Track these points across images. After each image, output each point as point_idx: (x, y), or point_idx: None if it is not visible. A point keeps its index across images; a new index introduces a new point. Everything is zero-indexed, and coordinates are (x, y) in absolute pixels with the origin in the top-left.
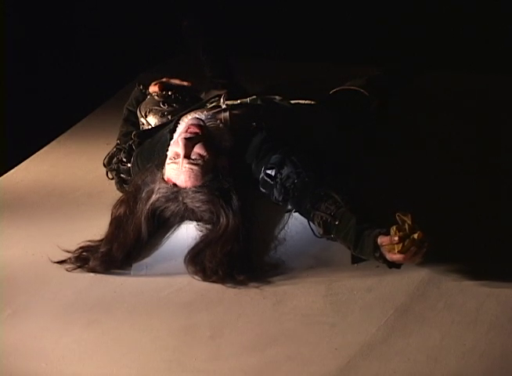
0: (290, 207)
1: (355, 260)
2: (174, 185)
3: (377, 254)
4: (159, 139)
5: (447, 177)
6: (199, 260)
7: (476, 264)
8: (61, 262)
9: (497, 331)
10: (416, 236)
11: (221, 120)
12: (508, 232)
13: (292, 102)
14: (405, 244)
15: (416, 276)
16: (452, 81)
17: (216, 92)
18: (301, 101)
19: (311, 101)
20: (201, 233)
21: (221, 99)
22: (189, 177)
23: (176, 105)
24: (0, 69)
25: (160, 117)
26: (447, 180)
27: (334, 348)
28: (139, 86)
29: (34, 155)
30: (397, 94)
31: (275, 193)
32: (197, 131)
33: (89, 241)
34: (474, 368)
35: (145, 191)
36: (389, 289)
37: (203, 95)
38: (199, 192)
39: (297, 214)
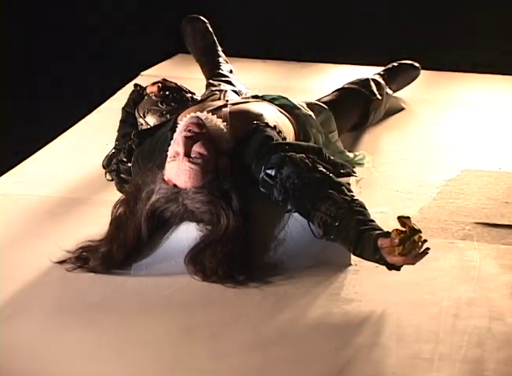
0: (289, 207)
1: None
2: (175, 185)
3: (377, 256)
4: (159, 137)
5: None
6: (199, 260)
7: (475, 264)
8: (61, 262)
9: (491, 338)
10: (416, 238)
11: (221, 117)
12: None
13: (293, 101)
14: (406, 246)
15: (416, 277)
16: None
17: (216, 91)
18: (301, 100)
19: (311, 100)
20: (201, 234)
21: (222, 95)
22: (189, 178)
23: (174, 104)
24: (1, 70)
25: (159, 116)
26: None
27: (334, 348)
28: (136, 87)
29: (34, 155)
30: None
31: (275, 193)
32: (196, 130)
33: (89, 241)
34: (472, 371)
35: (145, 191)
36: (389, 289)
37: (202, 95)
38: (199, 193)
39: (296, 214)
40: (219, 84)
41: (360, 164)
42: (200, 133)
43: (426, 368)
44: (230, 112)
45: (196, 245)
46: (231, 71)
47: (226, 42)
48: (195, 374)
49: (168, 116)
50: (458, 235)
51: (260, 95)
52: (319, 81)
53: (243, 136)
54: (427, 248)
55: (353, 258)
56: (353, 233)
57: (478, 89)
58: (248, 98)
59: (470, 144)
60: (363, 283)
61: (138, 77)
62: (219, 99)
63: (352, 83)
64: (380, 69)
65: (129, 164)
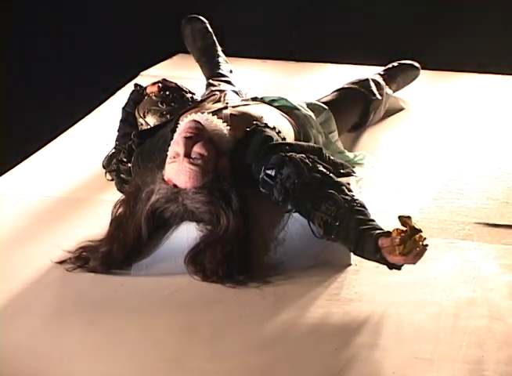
0: (289, 207)
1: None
2: (175, 186)
3: (378, 256)
4: (159, 138)
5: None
6: (199, 260)
7: (475, 264)
8: (61, 262)
9: (491, 338)
10: (417, 237)
11: (221, 118)
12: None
13: (293, 102)
14: (407, 245)
15: (416, 277)
16: None
17: (216, 91)
18: (301, 100)
19: (311, 101)
20: (201, 234)
21: (222, 97)
22: (189, 178)
23: (174, 104)
24: (0, 70)
25: (159, 116)
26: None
27: (334, 349)
28: (136, 87)
29: (34, 155)
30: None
31: (275, 194)
32: (196, 131)
33: (89, 241)
34: (472, 371)
35: (145, 191)
36: (389, 289)
37: (202, 95)
38: (199, 193)
39: (297, 214)
40: (219, 84)
41: (360, 164)
42: (199, 134)
43: (426, 368)
44: (230, 114)
45: (196, 245)
46: (231, 71)
47: (226, 42)
48: (195, 374)
49: (168, 116)
50: (458, 235)
51: (259, 97)
52: (319, 81)
53: (242, 137)
54: (426, 244)
55: (353, 258)
56: (353, 233)
57: (478, 89)
58: (248, 100)
59: (470, 144)
60: (363, 283)
61: (138, 77)
62: (219, 99)
63: (352, 83)
64: (380, 69)
65: (129, 164)
